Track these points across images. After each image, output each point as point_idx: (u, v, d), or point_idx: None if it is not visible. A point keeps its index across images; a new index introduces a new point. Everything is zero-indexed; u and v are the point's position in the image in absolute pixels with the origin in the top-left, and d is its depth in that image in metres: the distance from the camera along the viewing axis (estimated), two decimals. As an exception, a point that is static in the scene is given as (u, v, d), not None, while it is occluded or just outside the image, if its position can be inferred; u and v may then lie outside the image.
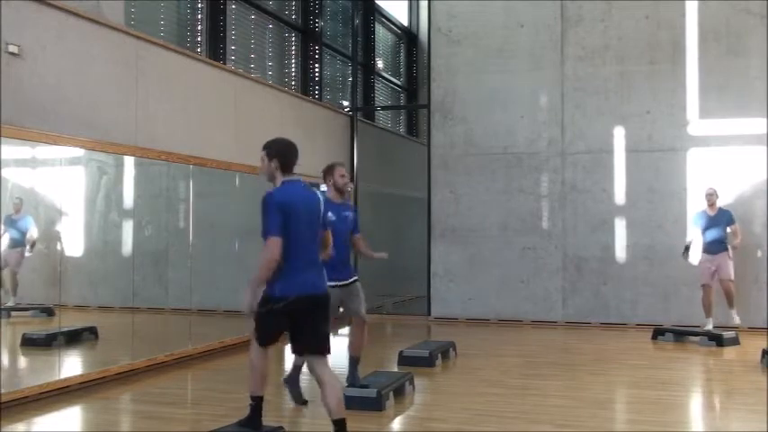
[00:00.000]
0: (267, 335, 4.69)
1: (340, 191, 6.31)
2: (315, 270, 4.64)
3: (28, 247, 7.07)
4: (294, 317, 4.56)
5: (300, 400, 6.10)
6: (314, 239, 4.67)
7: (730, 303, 9.45)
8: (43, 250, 7.13)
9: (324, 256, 4.90)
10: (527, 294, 11.26)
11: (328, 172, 6.41)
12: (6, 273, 7.03)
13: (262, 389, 4.80)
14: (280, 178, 4.59)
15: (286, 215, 4.41)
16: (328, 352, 4.67)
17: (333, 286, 5.67)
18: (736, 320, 9.42)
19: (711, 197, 9.60)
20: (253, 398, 4.80)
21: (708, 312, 9.49)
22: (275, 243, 4.37)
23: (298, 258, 4.50)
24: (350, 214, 6.33)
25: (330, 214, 5.90)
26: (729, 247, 9.47)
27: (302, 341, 4.68)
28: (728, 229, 9.54)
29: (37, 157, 6.94)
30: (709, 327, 9.42)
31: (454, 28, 11.81)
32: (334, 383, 4.59)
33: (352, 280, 6.24)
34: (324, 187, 6.50)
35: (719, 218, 9.55)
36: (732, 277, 9.43)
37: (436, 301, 11.76)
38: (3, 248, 6.92)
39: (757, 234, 10.30)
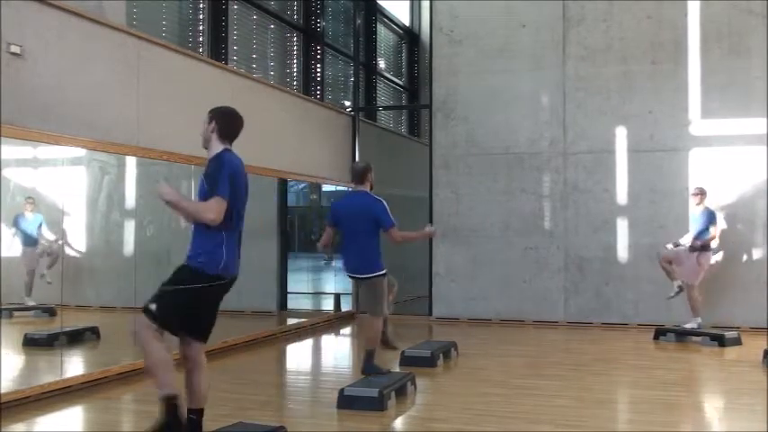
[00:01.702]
0: (182, 319, 4.22)
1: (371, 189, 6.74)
2: (239, 250, 4.41)
3: (40, 248, 7.10)
4: (209, 299, 4.25)
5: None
6: (242, 216, 4.43)
7: (691, 309, 9.38)
8: (47, 250, 7.15)
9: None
10: (529, 294, 11.26)
11: (370, 170, 6.70)
12: (24, 273, 7.10)
13: (174, 383, 4.20)
14: (216, 144, 4.40)
15: (234, 183, 4.24)
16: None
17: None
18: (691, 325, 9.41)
19: (696, 197, 9.58)
20: (167, 397, 4.15)
21: (671, 277, 9.55)
22: (222, 204, 4.12)
23: (235, 235, 4.30)
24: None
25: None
26: (705, 252, 9.33)
27: (202, 326, 4.35)
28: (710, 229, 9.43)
29: (38, 158, 6.95)
30: (692, 324, 9.41)
31: (456, 28, 11.81)
32: (204, 370, 4.43)
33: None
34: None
35: (700, 218, 9.48)
36: (694, 282, 9.30)
37: (438, 301, 11.76)
38: (22, 247, 6.97)
39: (758, 234, 10.28)
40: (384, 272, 6.50)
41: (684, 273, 9.37)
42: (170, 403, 4.12)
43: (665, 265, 9.57)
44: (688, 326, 9.31)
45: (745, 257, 10.11)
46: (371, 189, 6.66)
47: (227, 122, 4.47)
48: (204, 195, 4.20)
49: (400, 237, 6.40)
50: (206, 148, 4.48)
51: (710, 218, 9.44)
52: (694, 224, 9.54)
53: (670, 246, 9.64)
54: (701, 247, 9.31)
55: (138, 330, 4.16)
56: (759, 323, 9.98)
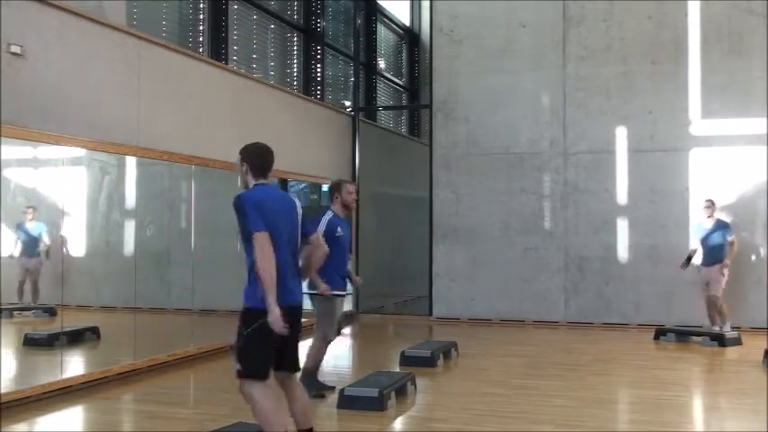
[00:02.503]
0: (264, 360, 4.14)
1: (347, 207, 6.53)
2: (294, 279, 4.30)
3: (43, 255, 7.11)
4: (273, 333, 4.09)
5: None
6: (293, 246, 4.33)
7: (720, 319, 9.32)
8: (45, 253, 7.14)
9: (315, 266, 4.73)
10: (529, 294, 11.26)
11: (336, 189, 6.52)
12: (27, 281, 7.11)
13: (286, 424, 4.19)
14: (252, 182, 4.34)
15: (264, 215, 4.11)
16: (300, 368, 4.49)
17: (339, 295, 6.33)
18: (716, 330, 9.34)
19: (708, 209, 9.48)
20: None
21: (714, 322, 9.42)
22: (265, 237, 4.04)
23: (280, 263, 4.11)
24: (348, 229, 6.59)
25: (339, 229, 6.30)
26: (726, 260, 9.25)
27: (283, 357, 4.28)
28: (729, 238, 9.38)
29: (39, 158, 6.95)
30: (726, 329, 9.32)
31: (456, 28, 11.81)
32: (303, 393, 4.44)
33: (348, 292, 6.52)
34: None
35: (715, 229, 9.41)
36: (718, 293, 9.25)
37: (438, 301, 11.76)
38: (19, 256, 6.98)
39: (759, 234, 10.29)
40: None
41: (714, 286, 9.26)
42: None
43: (713, 310, 9.39)
44: (725, 331, 9.19)
45: (745, 258, 10.10)
46: (345, 207, 6.43)
47: (256, 159, 4.39)
48: (244, 240, 4.18)
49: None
50: (243, 187, 4.40)
51: (727, 230, 9.38)
52: (708, 237, 9.40)
53: (699, 265, 9.47)
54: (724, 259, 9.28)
55: (242, 391, 4.17)
56: (759, 323, 9.99)
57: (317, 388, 6.29)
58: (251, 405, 4.14)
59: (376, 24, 15.23)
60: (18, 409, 5.88)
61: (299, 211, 4.43)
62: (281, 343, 4.20)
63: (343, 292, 6.47)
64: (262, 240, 4.05)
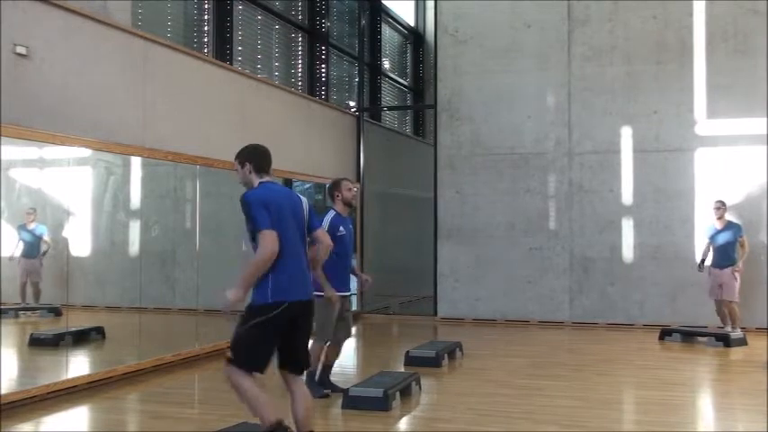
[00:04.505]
0: (262, 355, 4.15)
1: (348, 204, 6.48)
2: (303, 274, 4.32)
3: (44, 257, 7.13)
4: (284, 327, 4.18)
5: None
6: (301, 241, 4.36)
7: (732, 322, 9.28)
8: (50, 251, 7.16)
9: (318, 262, 4.76)
10: (534, 295, 11.25)
11: (335, 187, 6.47)
12: (28, 284, 7.14)
13: (273, 412, 4.14)
14: (256, 180, 4.36)
15: (270, 212, 4.13)
16: (309, 367, 4.44)
17: (342, 296, 6.29)
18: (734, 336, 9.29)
19: (718, 210, 9.44)
20: (271, 426, 4.12)
21: (724, 322, 9.42)
22: (272, 236, 4.07)
23: (287, 259, 4.16)
24: (351, 227, 6.54)
25: (342, 228, 6.26)
26: (739, 263, 9.23)
27: (289, 355, 4.29)
28: (739, 239, 9.34)
29: (44, 158, 6.97)
30: (737, 332, 9.28)
31: (461, 28, 11.80)
32: (307, 395, 4.38)
33: (351, 292, 6.47)
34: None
35: (727, 231, 9.38)
36: (734, 298, 9.21)
37: (443, 302, 11.75)
38: (20, 258, 7.00)
39: (764, 234, 10.26)
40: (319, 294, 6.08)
41: (729, 291, 9.22)
42: None
43: (723, 312, 9.36)
44: (733, 335, 9.14)
45: (751, 258, 10.06)
46: (346, 204, 6.41)
47: (256, 157, 4.41)
48: (251, 239, 4.20)
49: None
50: (248, 188, 4.39)
51: (738, 232, 9.35)
52: (720, 238, 9.38)
53: (711, 268, 9.44)
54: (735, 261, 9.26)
55: (227, 377, 4.20)
56: (765, 324, 9.96)
57: (323, 390, 6.30)
58: (239, 393, 4.17)
59: (381, 25, 15.24)
60: (23, 408, 5.90)
61: (306, 207, 4.46)
62: (285, 340, 4.22)
63: (347, 293, 6.47)
64: (268, 237, 4.08)
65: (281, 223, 4.18)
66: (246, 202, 4.17)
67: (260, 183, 4.36)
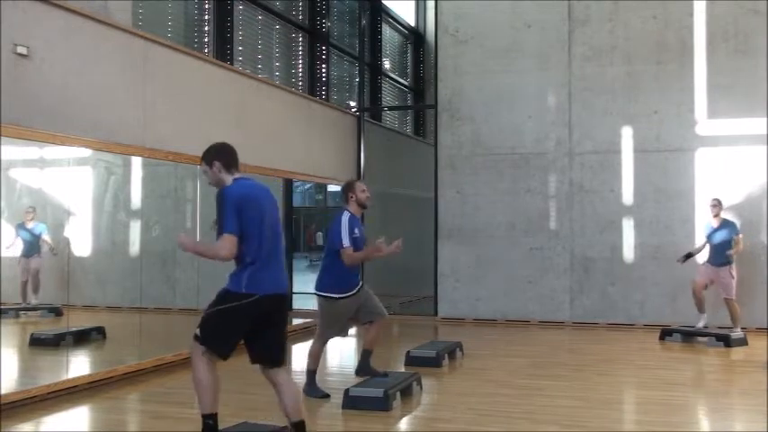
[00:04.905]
0: (226, 339, 4.26)
1: (362, 206, 6.45)
2: (279, 268, 4.41)
3: (44, 256, 7.14)
4: (256, 320, 4.25)
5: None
6: (277, 236, 4.43)
7: (732, 321, 9.28)
8: (51, 252, 7.17)
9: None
10: (534, 295, 11.25)
11: (349, 188, 6.45)
12: (29, 280, 7.16)
13: (215, 404, 4.32)
14: (228, 178, 4.40)
15: (245, 210, 4.21)
16: (285, 363, 4.44)
17: (347, 296, 6.23)
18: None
19: (714, 208, 9.47)
20: (206, 416, 4.30)
21: (700, 308, 9.44)
22: (232, 241, 4.16)
23: (262, 254, 4.26)
24: (362, 228, 6.53)
25: (356, 230, 6.24)
26: (731, 260, 9.23)
27: (261, 349, 4.36)
28: (734, 237, 9.32)
29: (45, 158, 6.98)
30: (701, 324, 9.37)
31: (461, 28, 11.80)
32: (291, 386, 4.42)
33: (360, 285, 6.41)
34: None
35: (723, 230, 9.39)
36: (732, 295, 9.23)
37: (443, 302, 11.75)
38: (20, 256, 7.02)
39: (764, 234, 10.25)
40: (329, 295, 6.22)
41: (727, 290, 9.25)
42: (205, 422, 4.31)
43: (700, 296, 9.42)
44: (733, 335, 9.16)
45: (751, 258, 10.07)
46: (360, 206, 6.41)
47: (224, 155, 4.46)
48: (218, 234, 4.28)
49: (349, 258, 6.12)
50: (219, 187, 4.45)
51: (733, 230, 9.36)
52: (716, 236, 9.40)
53: (705, 263, 9.50)
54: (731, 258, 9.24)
55: (190, 353, 4.35)
56: (765, 324, 9.95)
57: (323, 390, 6.30)
58: (193, 372, 4.28)
59: (381, 25, 15.24)
60: (24, 408, 5.90)
61: (277, 203, 4.58)
62: (256, 333, 4.28)
63: (358, 286, 6.40)
64: (228, 242, 4.17)
65: (260, 220, 4.28)
66: (223, 199, 4.25)
67: (234, 180, 4.39)
